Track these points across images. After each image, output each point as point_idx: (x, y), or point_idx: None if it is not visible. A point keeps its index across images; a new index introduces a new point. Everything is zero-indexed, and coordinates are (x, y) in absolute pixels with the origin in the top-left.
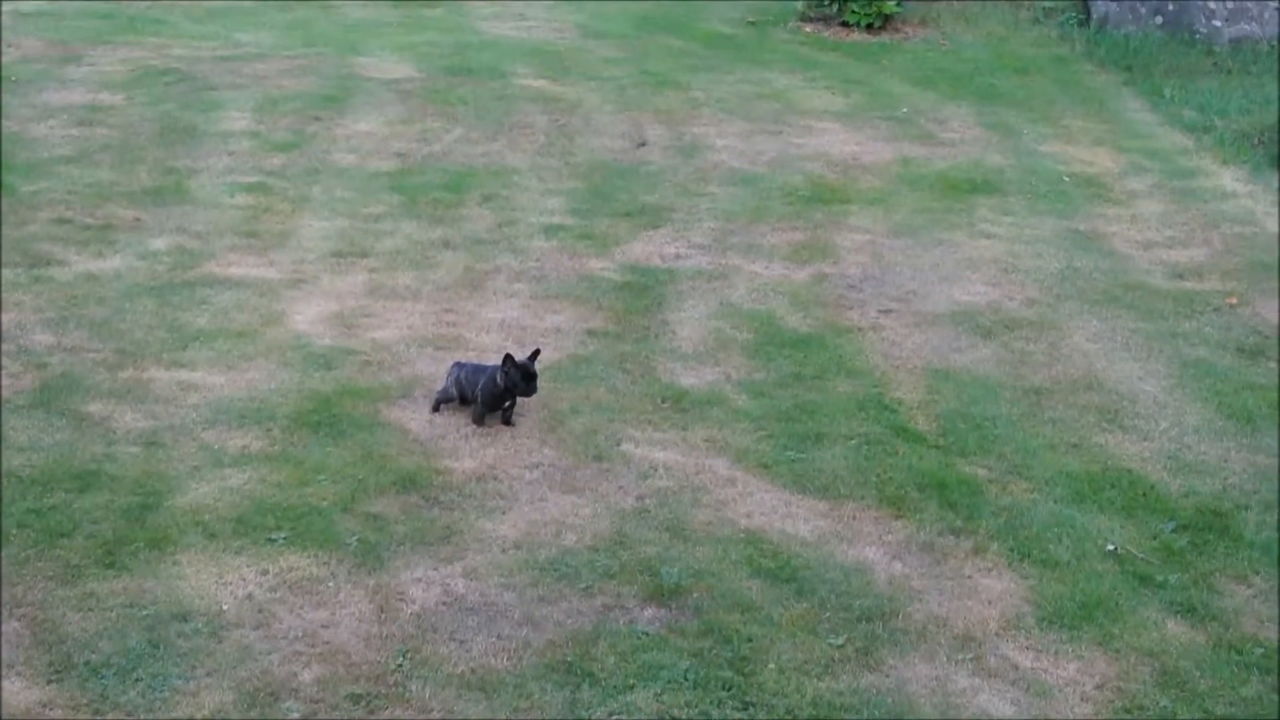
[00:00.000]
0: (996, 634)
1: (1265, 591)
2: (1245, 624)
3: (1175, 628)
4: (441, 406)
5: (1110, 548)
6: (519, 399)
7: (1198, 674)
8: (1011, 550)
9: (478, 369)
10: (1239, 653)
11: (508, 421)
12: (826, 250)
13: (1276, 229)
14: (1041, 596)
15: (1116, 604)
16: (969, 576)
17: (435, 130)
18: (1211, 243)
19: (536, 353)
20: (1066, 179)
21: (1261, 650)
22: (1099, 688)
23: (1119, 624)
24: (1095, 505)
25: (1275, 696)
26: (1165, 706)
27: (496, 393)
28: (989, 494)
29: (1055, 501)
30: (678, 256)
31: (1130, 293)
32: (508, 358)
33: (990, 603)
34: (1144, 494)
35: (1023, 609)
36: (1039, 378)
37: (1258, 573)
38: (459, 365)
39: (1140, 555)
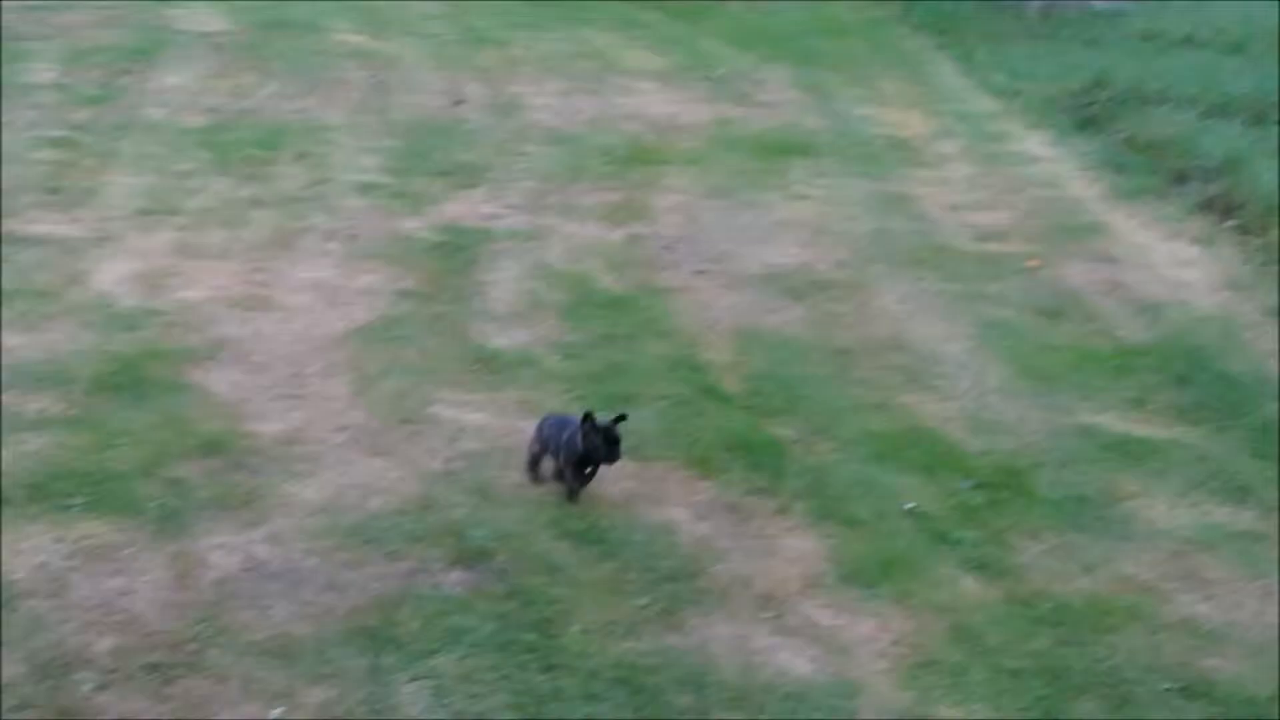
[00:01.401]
0: (797, 593)
1: (1056, 547)
2: (1036, 579)
3: (969, 584)
4: (538, 469)
5: (909, 506)
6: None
7: (990, 629)
8: (814, 510)
9: (560, 423)
10: (1030, 607)
11: (575, 496)
12: (642, 211)
13: (1078, 193)
14: (842, 555)
15: (914, 562)
16: (772, 536)
17: (248, 85)
18: (1016, 206)
19: (622, 417)
20: (879, 141)
21: (1051, 604)
22: (895, 644)
23: (916, 581)
24: (897, 465)
25: (1064, 650)
26: (958, 661)
27: (577, 456)
28: (794, 454)
29: (858, 461)
30: (493, 216)
31: (937, 255)
32: (587, 417)
33: (792, 562)
34: (944, 453)
35: (823, 568)
36: (847, 339)
37: (1050, 529)
38: (546, 418)
39: (938, 513)
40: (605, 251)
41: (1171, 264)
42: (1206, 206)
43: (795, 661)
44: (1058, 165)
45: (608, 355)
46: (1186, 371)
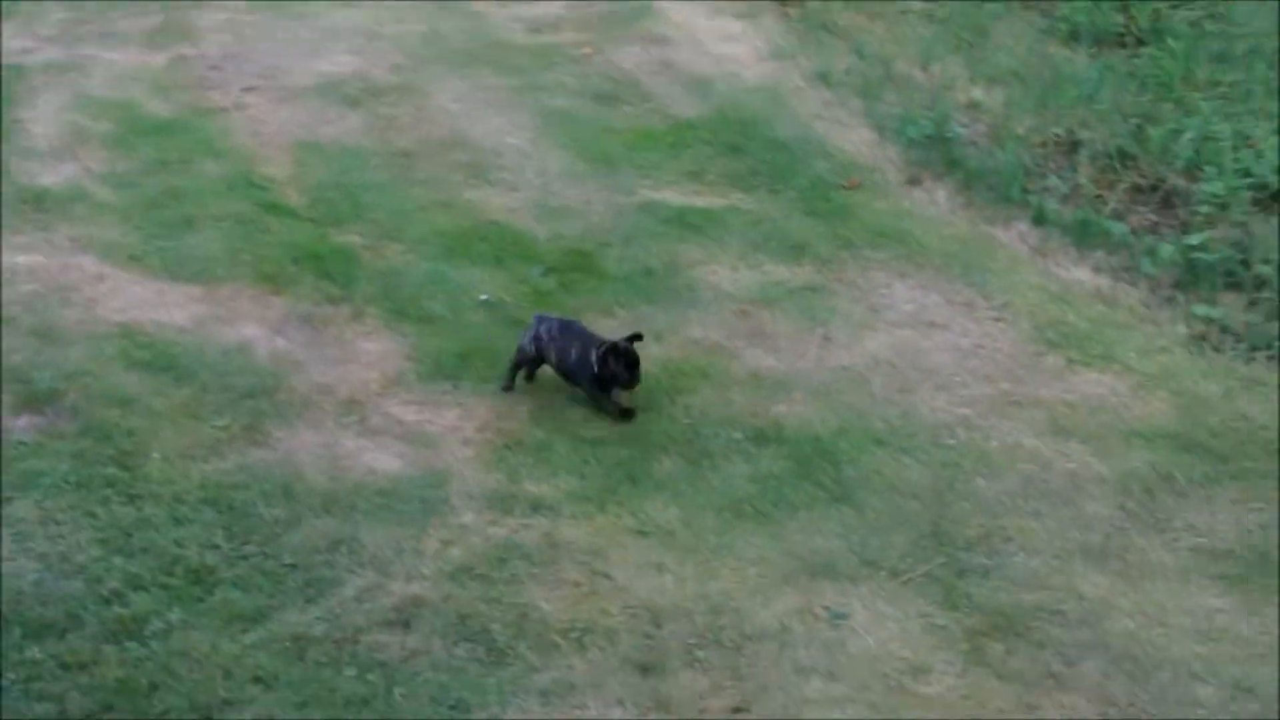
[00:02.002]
0: (379, 394)
1: (628, 320)
2: None
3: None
4: (518, 375)
5: (484, 298)
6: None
7: (569, 404)
8: (389, 312)
9: (567, 329)
10: None
11: (614, 411)
12: (185, 32)
13: None
14: (420, 353)
15: (492, 349)
16: (350, 342)
17: None
18: None
19: (638, 336)
20: None
21: None
22: (480, 430)
23: (495, 368)
24: (468, 259)
25: (642, 415)
26: (541, 439)
27: (590, 374)
28: (364, 260)
29: (429, 260)
30: (25, 51)
31: (491, 51)
32: (608, 345)
33: (371, 365)
34: (513, 243)
35: (404, 366)
36: (407, 141)
37: (621, 304)
38: (541, 320)
39: (511, 301)
40: (149, 76)
41: (718, 39)
42: None
43: (382, 459)
44: None
45: (162, 181)
46: (739, 141)
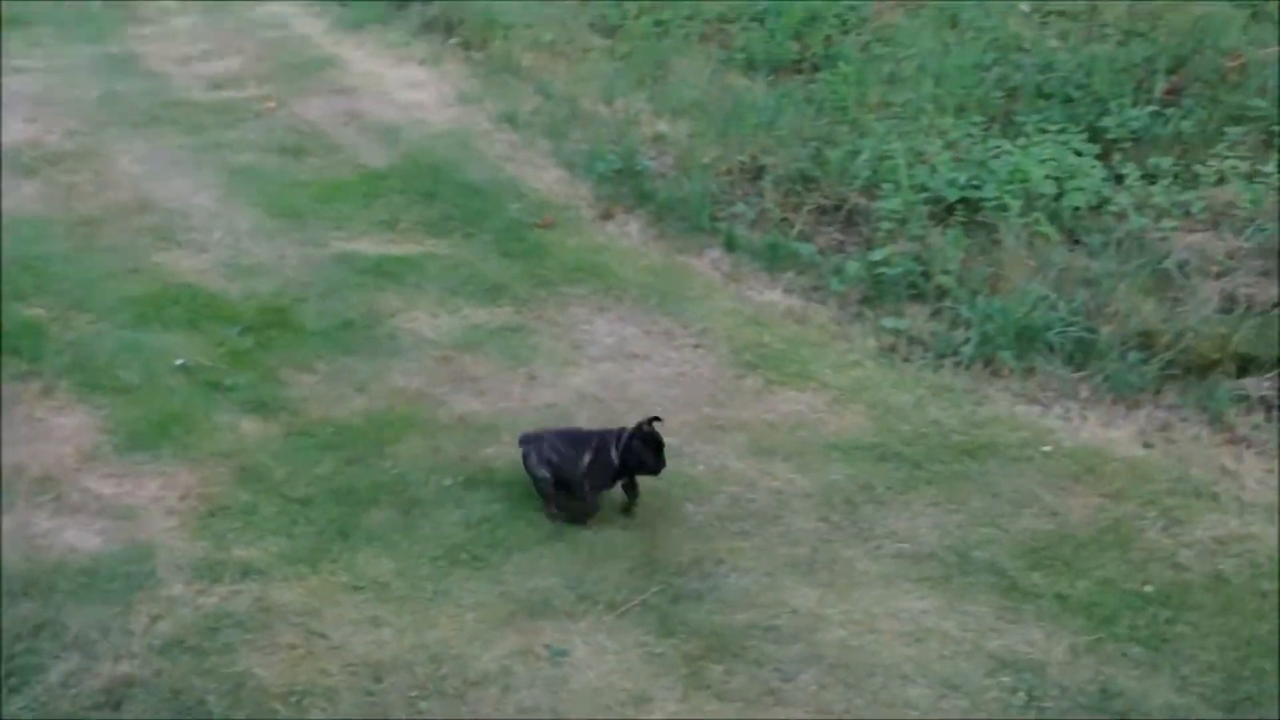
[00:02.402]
0: (75, 469)
1: (329, 374)
2: (314, 408)
3: (249, 426)
4: (555, 504)
5: (180, 363)
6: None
7: (275, 465)
8: (81, 384)
9: (572, 439)
10: (311, 436)
11: (632, 511)
12: None
13: (305, 30)
14: (116, 424)
15: (191, 415)
16: (41, 418)
17: None
18: (245, 50)
19: (656, 419)
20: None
21: (331, 429)
22: (183, 498)
23: (195, 433)
24: (160, 324)
25: (350, 469)
26: (248, 501)
27: (611, 469)
28: (51, 333)
29: (120, 328)
30: None
31: (172, 109)
32: (632, 431)
33: (65, 440)
34: (207, 305)
35: (99, 439)
36: (89, 208)
37: (321, 358)
38: (531, 441)
39: (209, 364)
40: None
41: (403, 87)
42: (429, 27)
43: (83, 537)
44: (282, 4)
45: None
46: (430, 187)
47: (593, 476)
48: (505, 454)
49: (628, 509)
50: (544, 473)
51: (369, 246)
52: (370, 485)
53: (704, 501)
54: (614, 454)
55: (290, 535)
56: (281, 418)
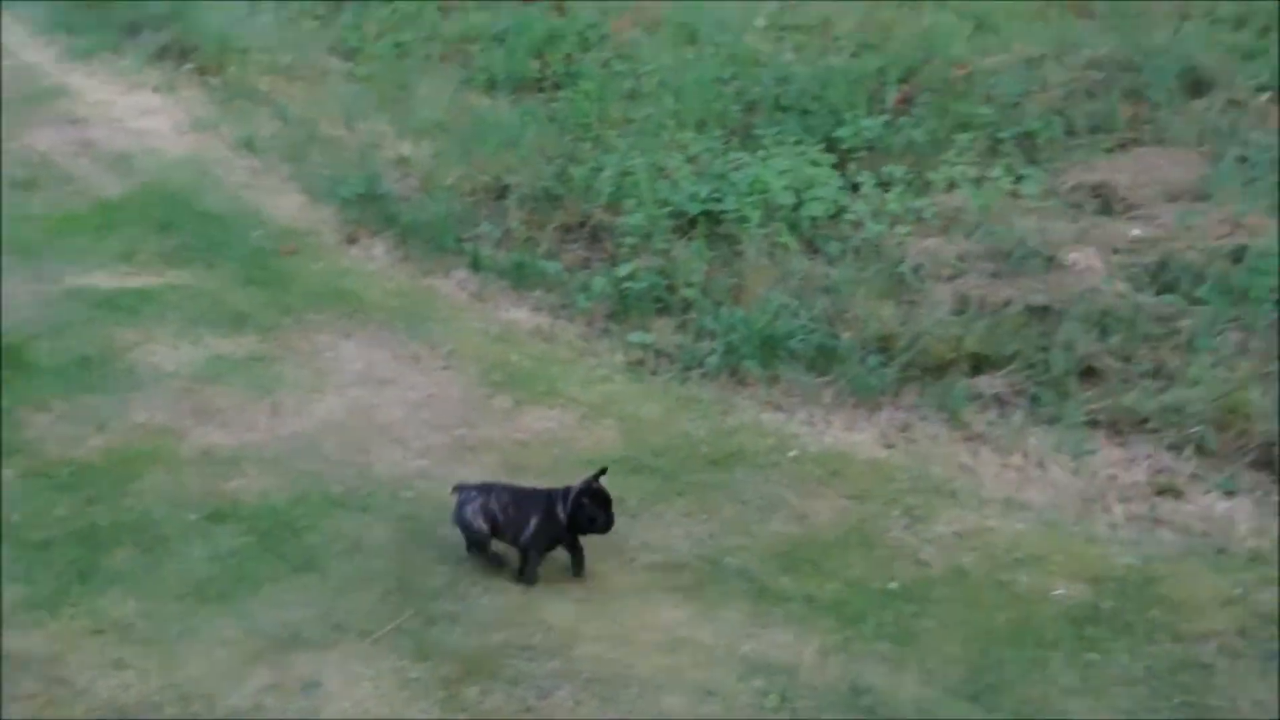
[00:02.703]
0: None
1: (66, 413)
2: (51, 448)
3: None
4: (477, 552)
5: None
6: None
7: (10, 508)
8: None
9: (515, 495)
10: (49, 477)
11: (581, 573)
12: None
13: (33, 58)
14: None
15: None
16: None
17: None
18: None
19: (603, 471)
20: None
21: (70, 469)
22: None
23: None
24: None
25: (91, 509)
26: None
27: (554, 533)
28: None
29: None
30: None
31: None
32: (580, 488)
33: None
34: None
35: None
36: None
37: (57, 396)
38: (467, 491)
39: None
40: None
41: (137, 114)
42: (163, 54)
43: None
44: (8, 34)
45: None
46: (168, 217)
47: (539, 537)
48: (251, 485)
49: (578, 571)
50: (481, 525)
51: (105, 280)
52: (112, 525)
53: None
54: (561, 513)
55: (28, 581)
56: (17, 460)
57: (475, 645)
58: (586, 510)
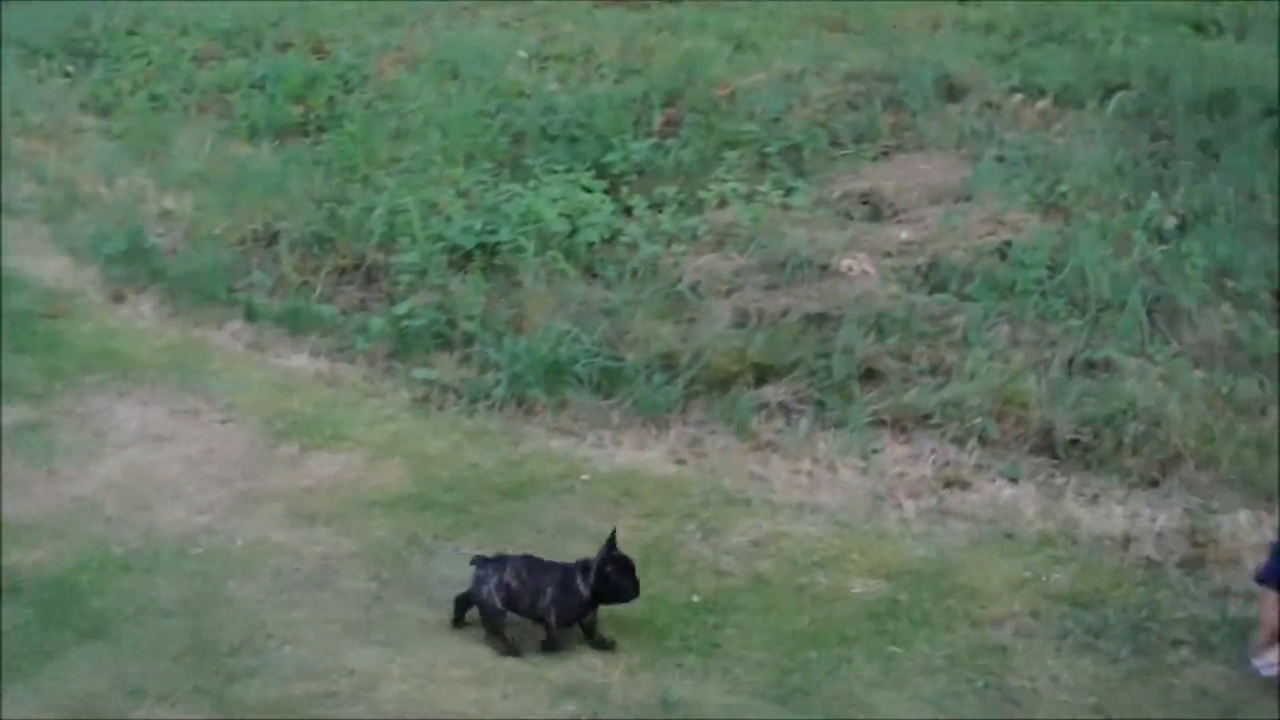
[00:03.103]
0: None
1: None
2: None
3: None
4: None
5: None
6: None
7: None
8: None
9: (534, 566)
10: None
11: (600, 643)
12: None
13: None
14: None
15: None
16: None
17: None
18: None
19: (614, 533)
20: None
21: None
22: None
23: None
24: None
25: None
26: None
27: (580, 602)
28: None
29: None
30: None
31: None
32: (603, 558)
33: None
34: None
35: None
36: None
37: None
38: (487, 563)
39: None
40: None
41: None
42: None
43: None
44: None
45: None
46: None
47: (562, 609)
48: (32, 557)
49: (599, 640)
50: (496, 603)
51: None
52: None
53: (249, 577)
54: (582, 585)
55: None
56: None
57: (278, 697)
58: (612, 580)
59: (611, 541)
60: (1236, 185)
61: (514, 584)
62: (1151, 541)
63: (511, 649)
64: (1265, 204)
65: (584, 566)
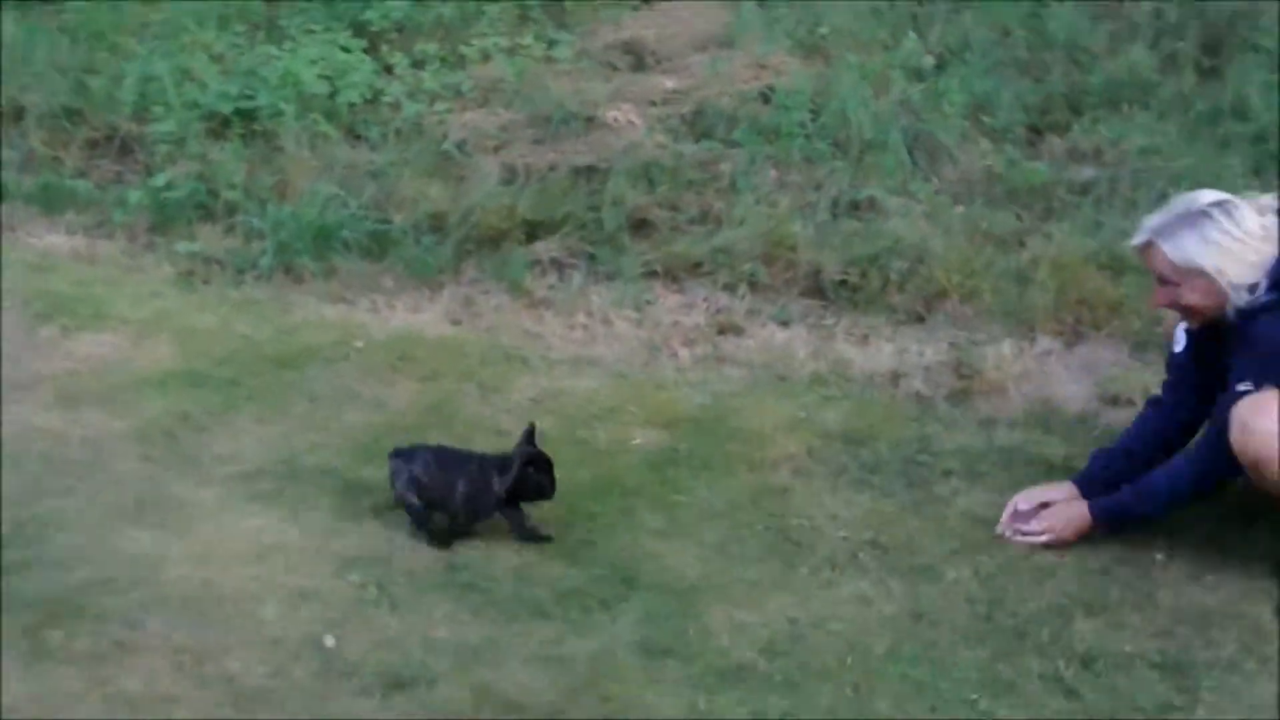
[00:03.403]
0: None
1: None
2: None
3: None
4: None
5: None
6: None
7: None
8: None
9: (446, 458)
10: None
11: (532, 535)
12: None
13: None
14: None
15: None
16: None
17: None
18: None
19: (532, 428)
20: None
21: None
22: None
23: None
24: None
25: None
26: None
27: (495, 500)
28: None
29: None
30: None
31: None
32: (525, 455)
33: None
34: None
35: None
36: None
37: None
38: (403, 456)
39: None
40: None
41: None
42: None
43: None
44: None
45: None
46: None
47: (471, 508)
48: None
49: (531, 533)
50: (416, 500)
51: None
52: None
53: (15, 466)
54: (497, 482)
55: None
56: None
57: (53, 588)
58: (532, 480)
59: (530, 437)
60: (989, 22)
61: (424, 479)
62: (920, 376)
63: (441, 540)
64: (1018, 40)
65: (501, 462)
